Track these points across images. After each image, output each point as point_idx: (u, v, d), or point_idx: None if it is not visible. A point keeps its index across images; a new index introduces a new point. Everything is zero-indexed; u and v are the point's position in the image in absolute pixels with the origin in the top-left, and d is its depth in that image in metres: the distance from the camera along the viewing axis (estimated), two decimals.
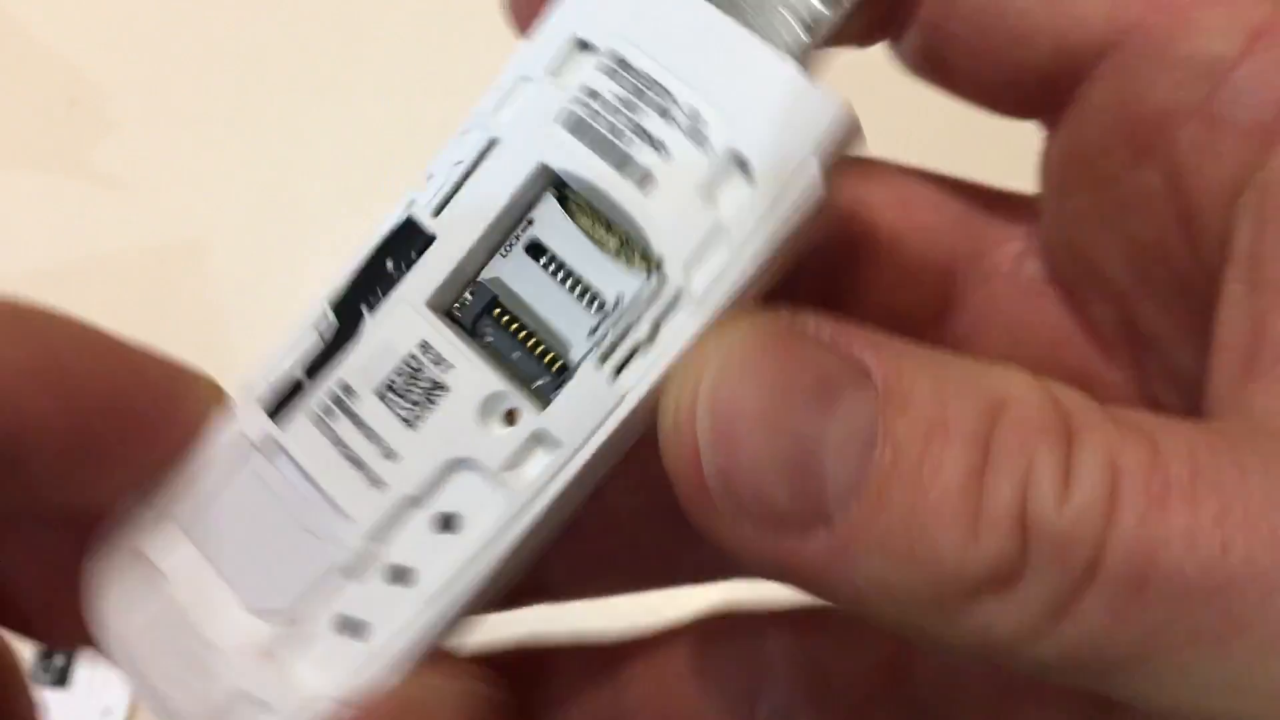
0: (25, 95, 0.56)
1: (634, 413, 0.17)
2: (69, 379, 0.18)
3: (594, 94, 0.18)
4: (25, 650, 0.51)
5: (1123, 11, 0.17)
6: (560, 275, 0.18)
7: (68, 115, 0.55)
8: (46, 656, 0.50)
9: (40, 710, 0.22)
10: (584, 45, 0.18)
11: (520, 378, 0.18)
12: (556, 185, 0.19)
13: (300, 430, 0.19)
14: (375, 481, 0.18)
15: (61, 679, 0.50)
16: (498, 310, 0.19)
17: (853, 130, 0.17)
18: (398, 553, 0.18)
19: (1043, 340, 0.21)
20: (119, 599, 0.19)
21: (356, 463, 0.18)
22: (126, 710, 0.49)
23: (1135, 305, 0.19)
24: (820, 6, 0.18)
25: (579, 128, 0.18)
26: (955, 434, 0.15)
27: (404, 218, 0.19)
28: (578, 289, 0.18)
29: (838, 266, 0.21)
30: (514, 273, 0.19)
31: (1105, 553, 0.14)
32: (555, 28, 0.19)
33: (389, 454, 0.18)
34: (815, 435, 0.15)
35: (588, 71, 0.18)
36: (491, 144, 0.19)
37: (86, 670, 0.50)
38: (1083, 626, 0.14)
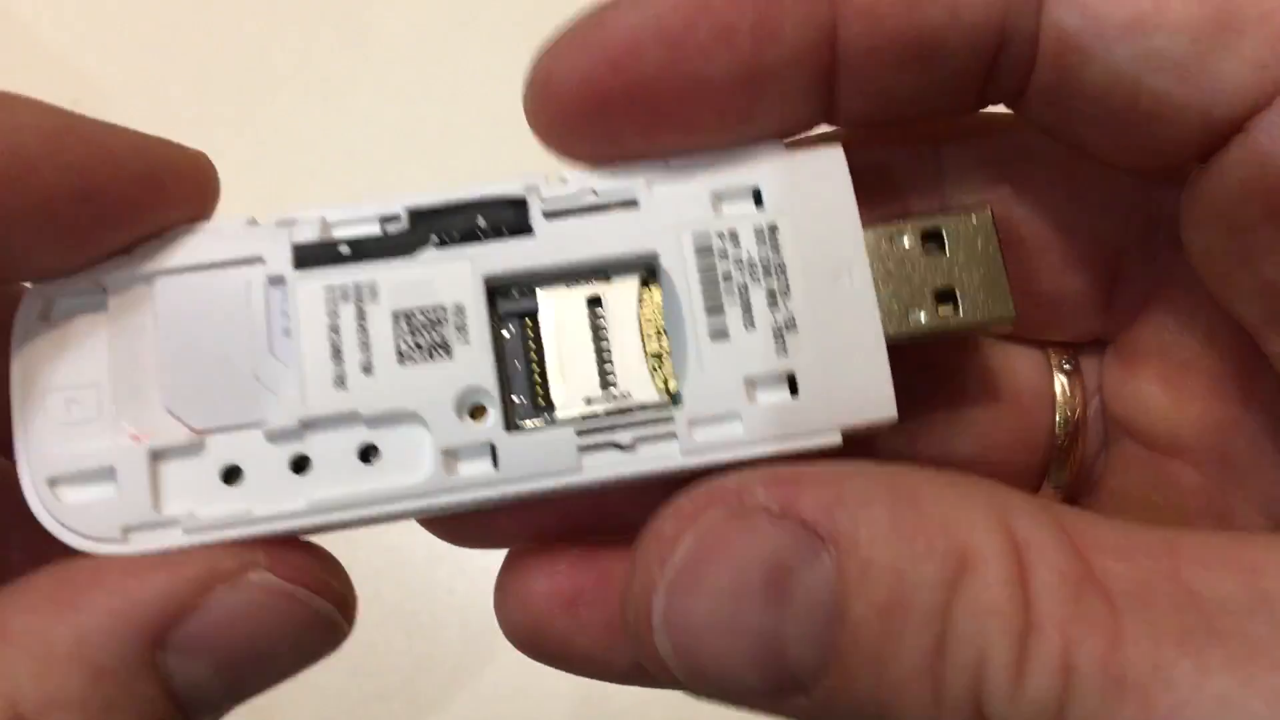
0: (25, 95, 0.56)
1: (577, 489, 0.19)
2: (36, 167, 0.17)
3: (735, 239, 0.20)
4: None
5: (1267, 80, 0.17)
6: (597, 336, 0.20)
7: None
8: None
9: None
10: (756, 196, 0.20)
11: (506, 387, 0.19)
12: (649, 273, 0.20)
13: (311, 291, 0.19)
14: (341, 380, 0.19)
15: None
16: (530, 322, 0.20)
17: (884, 426, 0.19)
18: (315, 448, 0.19)
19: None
20: (60, 310, 0.19)
21: (337, 354, 0.19)
22: None
23: (1264, 338, 0.19)
24: (925, 318, 0.20)
25: (703, 252, 0.19)
26: (912, 612, 0.16)
27: (520, 196, 0.20)
28: (602, 357, 0.20)
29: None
30: (564, 305, 0.20)
31: None
32: (742, 168, 0.20)
33: (368, 368, 0.19)
34: (773, 628, 0.16)
35: (744, 218, 0.20)
36: (630, 203, 0.20)
37: None
38: None
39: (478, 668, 0.46)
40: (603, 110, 0.19)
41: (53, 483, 0.18)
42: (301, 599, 0.18)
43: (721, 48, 0.18)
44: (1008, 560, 0.16)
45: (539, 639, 0.21)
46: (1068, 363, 0.23)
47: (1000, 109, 0.21)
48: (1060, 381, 0.23)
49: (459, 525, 0.21)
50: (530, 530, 0.21)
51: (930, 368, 0.22)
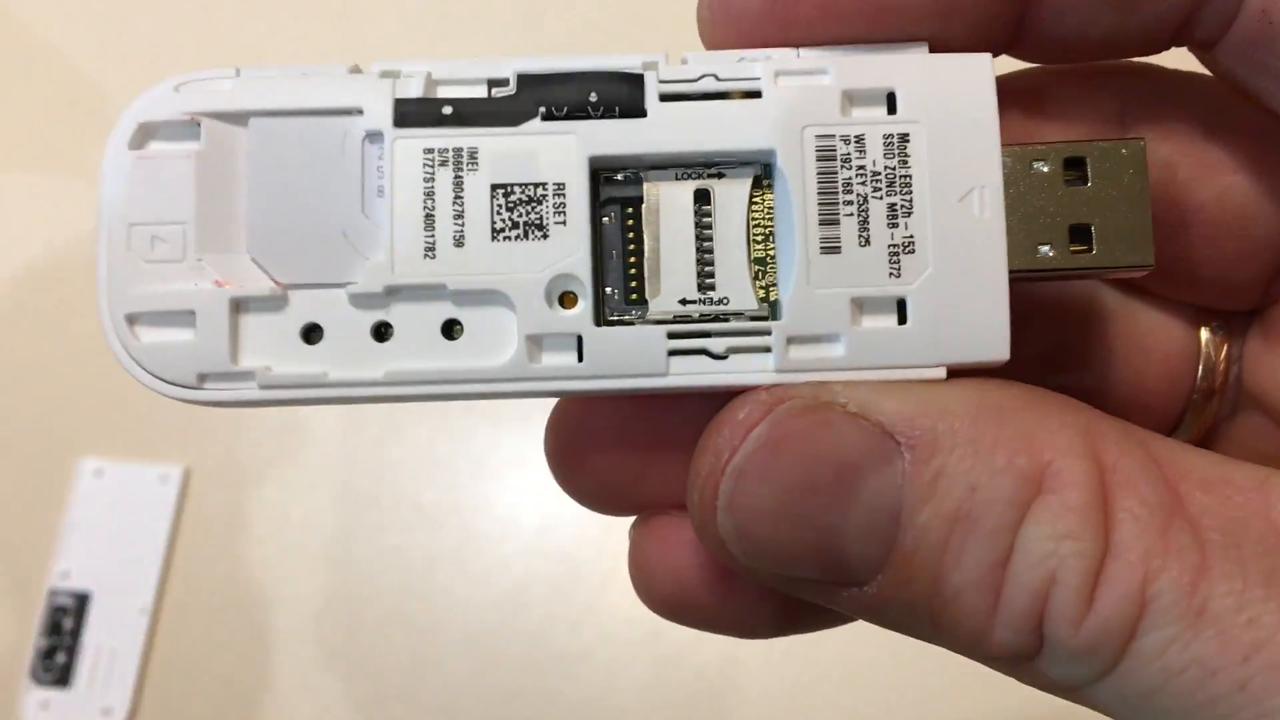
0: (26, 95, 0.55)
1: (661, 391, 0.18)
2: None
3: (861, 145, 0.18)
4: (26, 649, 0.48)
5: None
6: (700, 235, 0.19)
7: (68, 115, 0.55)
8: (48, 656, 0.48)
9: None
10: (890, 100, 0.18)
11: (600, 278, 0.18)
12: (764, 170, 0.19)
13: (409, 152, 0.18)
14: (430, 250, 0.18)
15: (63, 678, 0.48)
16: (631, 210, 0.19)
17: (994, 366, 0.18)
18: (398, 317, 0.18)
19: None
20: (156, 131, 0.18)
21: (429, 221, 0.18)
22: (127, 710, 0.48)
23: None
24: (1053, 254, 0.19)
25: (825, 157, 0.18)
26: (980, 526, 0.16)
27: (636, 73, 0.18)
28: (703, 258, 0.19)
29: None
30: (670, 197, 0.19)
31: (1119, 664, 0.15)
32: (878, 69, 0.18)
33: (459, 241, 0.18)
34: (835, 525, 0.16)
35: (873, 124, 0.18)
36: (754, 94, 0.18)
37: (87, 669, 0.48)
38: (1094, 702, 0.16)
39: (477, 668, 0.48)
40: (785, 32, 0.18)
41: (131, 320, 0.18)
42: None
43: None
44: (1090, 485, 0.15)
45: (685, 610, 0.21)
46: (1219, 327, 0.22)
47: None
48: (1207, 344, 0.22)
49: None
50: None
51: (1076, 310, 0.22)
